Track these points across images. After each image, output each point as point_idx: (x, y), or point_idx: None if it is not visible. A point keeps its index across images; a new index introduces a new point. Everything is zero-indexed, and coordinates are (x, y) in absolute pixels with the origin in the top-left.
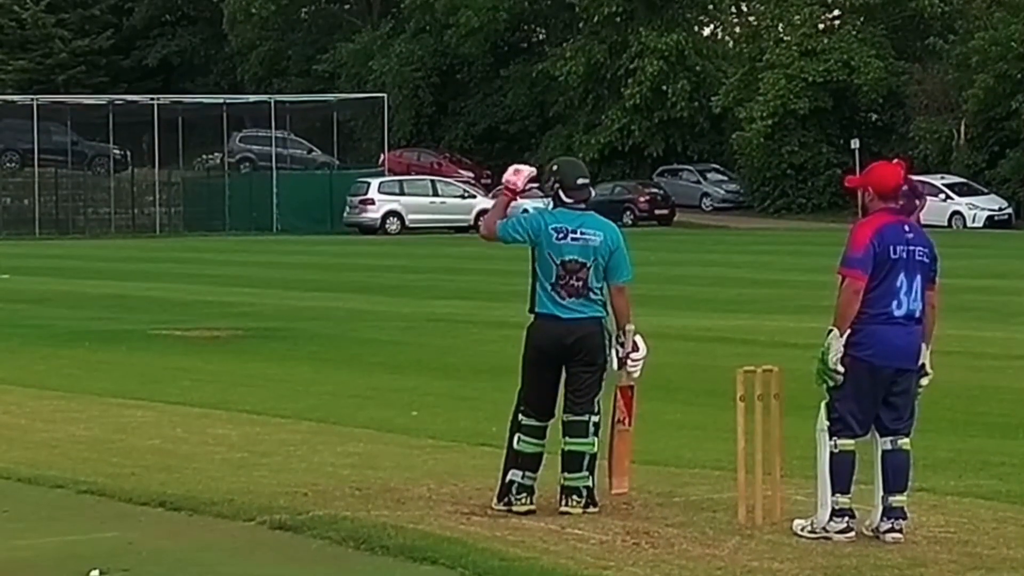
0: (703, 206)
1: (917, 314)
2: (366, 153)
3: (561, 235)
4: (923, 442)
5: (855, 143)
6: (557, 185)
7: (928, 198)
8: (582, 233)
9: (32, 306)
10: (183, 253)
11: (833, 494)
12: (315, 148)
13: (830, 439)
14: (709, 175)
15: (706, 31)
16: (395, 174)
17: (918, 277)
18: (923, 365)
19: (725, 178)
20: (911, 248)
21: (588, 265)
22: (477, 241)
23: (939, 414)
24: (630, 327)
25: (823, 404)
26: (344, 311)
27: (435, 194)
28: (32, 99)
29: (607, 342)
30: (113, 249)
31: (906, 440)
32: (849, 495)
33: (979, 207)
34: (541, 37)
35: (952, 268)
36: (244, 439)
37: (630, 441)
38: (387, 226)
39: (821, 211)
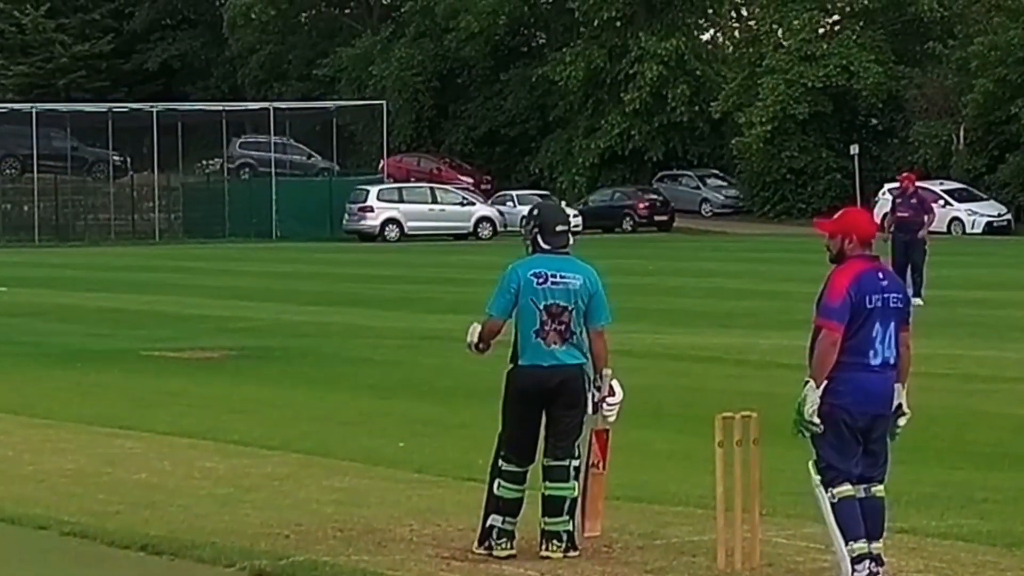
0: (703, 212)
1: (892, 360)
2: (366, 157)
3: (542, 280)
4: (908, 475)
5: (854, 149)
6: (536, 230)
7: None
8: (562, 277)
9: (27, 320)
10: (182, 262)
11: (847, 543)
12: (315, 154)
13: (826, 492)
14: (709, 181)
15: (706, 36)
16: (395, 179)
17: (892, 324)
18: (899, 405)
19: (725, 183)
20: (886, 296)
21: (570, 308)
22: (474, 249)
23: (926, 443)
24: (607, 371)
25: (810, 462)
26: (340, 326)
27: (434, 201)
28: (32, 107)
29: (587, 386)
30: (112, 257)
31: (880, 487)
32: (863, 539)
33: (978, 213)
34: (541, 41)
35: (948, 278)
36: (231, 472)
37: (604, 484)
38: (386, 233)
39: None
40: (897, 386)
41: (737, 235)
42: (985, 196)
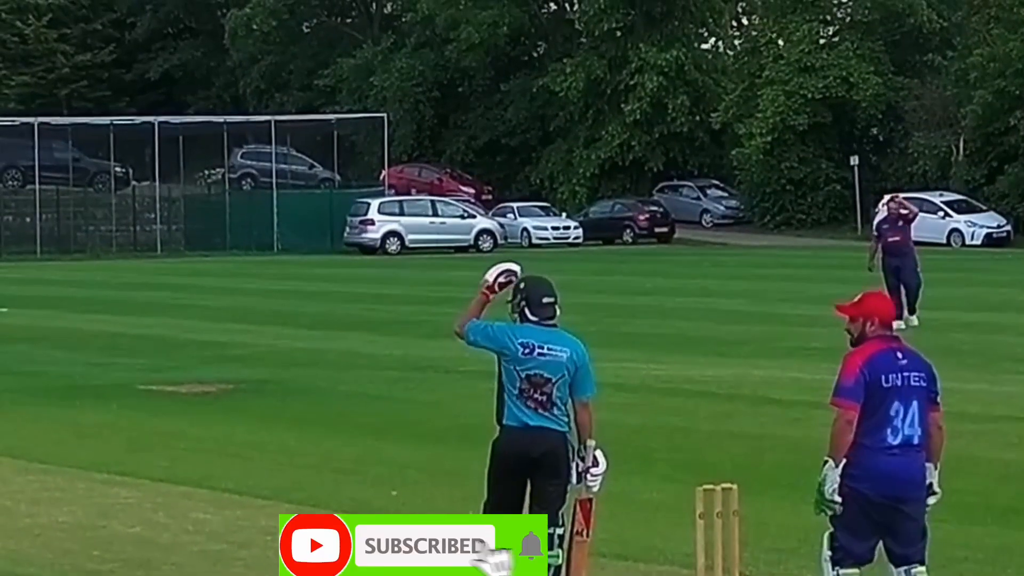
0: (703, 222)
1: (915, 440)
2: (367, 168)
3: (528, 350)
4: None
5: (854, 160)
6: (523, 303)
7: (926, 216)
8: (549, 349)
9: (27, 346)
10: (183, 278)
11: None
12: (316, 164)
13: (832, 569)
14: (709, 191)
15: (706, 44)
16: (396, 190)
17: (915, 403)
18: (931, 484)
19: (725, 194)
20: (905, 374)
21: (553, 381)
22: (474, 262)
23: None
24: (591, 442)
25: (826, 535)
26: (336, 354)
27: (435, 214)
28: (35, 119)
29: (570, 455)
30: (113, 272)
31: (921, 568)
32: None
33: (978, 224)
34: (541, 51)
35: (945, 298)
36: (225, 525)
37: (587, 552)
38: (387, 246)
39: (821, 226)
40: (928, 466)
41: (738, 247)
42: (984, 207)
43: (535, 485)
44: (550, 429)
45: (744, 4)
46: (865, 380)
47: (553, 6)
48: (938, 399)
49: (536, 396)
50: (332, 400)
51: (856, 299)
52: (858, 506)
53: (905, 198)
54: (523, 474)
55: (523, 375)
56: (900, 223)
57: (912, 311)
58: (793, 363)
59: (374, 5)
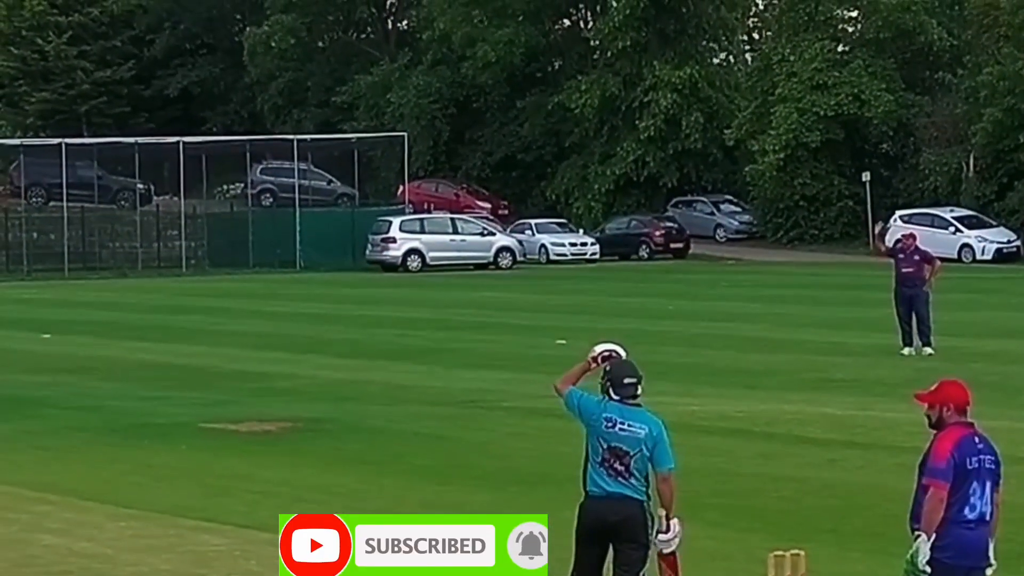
0: (717, 237)
1: (987, 516)
2: (384, 183)
3: (610, 424)
4: None
5: (866, 176)
6: (609, 383)
7: (937, 231)
8: (628, 426)
9: (75, 378)
10: (212, 300)
11: None
12: (334, 179)
13: None
14: (723, 206)
15: (718, 59)
16: (414, 205)
17: (987, 483)
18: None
19: (739, 209)
20: (982, 458)
21: (632, 454)
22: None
23: None
24: (662, 512)
25: None
26: (379, 386)
27: (455, 232)
28: (61, 140)
29: (649, 522)
30: (142, 293)
31: None
32: None
33: (988, 240)
34: (556, 68)
35: (960, 323)
36: None
37: None
38: (408, 263)
39: (833, 241)
40: (989, 543)
41: (752, 262)
42: (994, 223)
43: (616, 549)
44: (628, 497)
45: (755, 20)
46: (954, 462)
47: (568, 23)
48: (1000, 480)
49: (616, 466)
50: (387, 440)
51: (934, 388)
52: (941, 573)
53: (916, 213)
54: (603, 538)
55: (605, 446)
56: (916, 256)
57: (927, 343)
58: (820, 397)
59: (390, 22)
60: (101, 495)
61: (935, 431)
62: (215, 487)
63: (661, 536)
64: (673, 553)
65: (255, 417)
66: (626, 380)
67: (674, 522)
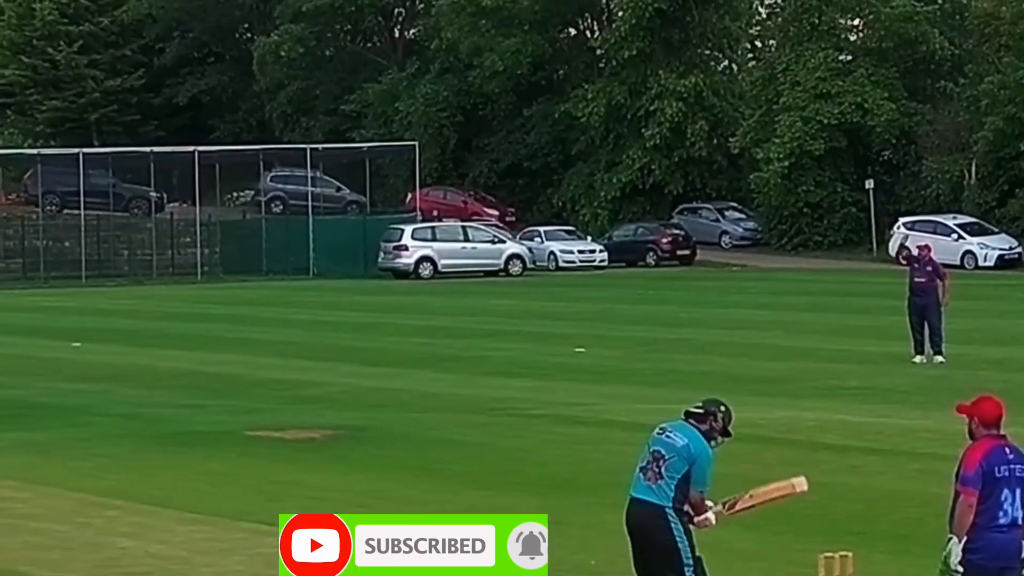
0: (722, 243)
1: (1019, 521)
2: (392, 190)
3: (661, 432)
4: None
5: (869, 183)
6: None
7: (940, 238)
8: (671, 433)
9: (108, 385)
10: (230, 308)
11: None
12: (343, 187)
13: None
14: (728, 213)
15: (722, 65)
16: (423, 212)
17: (1018, 490)
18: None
19: (743, 216)
20: (1012, 467)
21: (667, 457)
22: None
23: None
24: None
25: None
26: (410, 394)
27: (466, 239)
28: (79, 151)
29: (674, 532)
30: (159, 300)
31: None
32: None
33: (990, 247)
34: (562, 77)
35: (968, 331)
36: None
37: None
38: (420, 271)
39: (837, 248)
40: (1022, 544)
41: (757, 268)
42: (996, 230)
43: (641, 552)
44: (649, 501)
45: (759, 28)
46: (983, 471)
47: (574, 33)
48: None
49: (653, 468)
50: (425, 447)
51: (973, 401)
52: (974, 574)
53: (919, 220)
54: (637, 539)
55: (650, 451)
56: (928, 267)
57: (938, 351)
58: (836, 404)
59: (398, 32)
60: (163, 500)
61: (970, 440)
62: (270, 492)
63: (697, 518)
64: (736, 511)
65: (296, 425)
66: (695, 407)
67: (708, 515)
